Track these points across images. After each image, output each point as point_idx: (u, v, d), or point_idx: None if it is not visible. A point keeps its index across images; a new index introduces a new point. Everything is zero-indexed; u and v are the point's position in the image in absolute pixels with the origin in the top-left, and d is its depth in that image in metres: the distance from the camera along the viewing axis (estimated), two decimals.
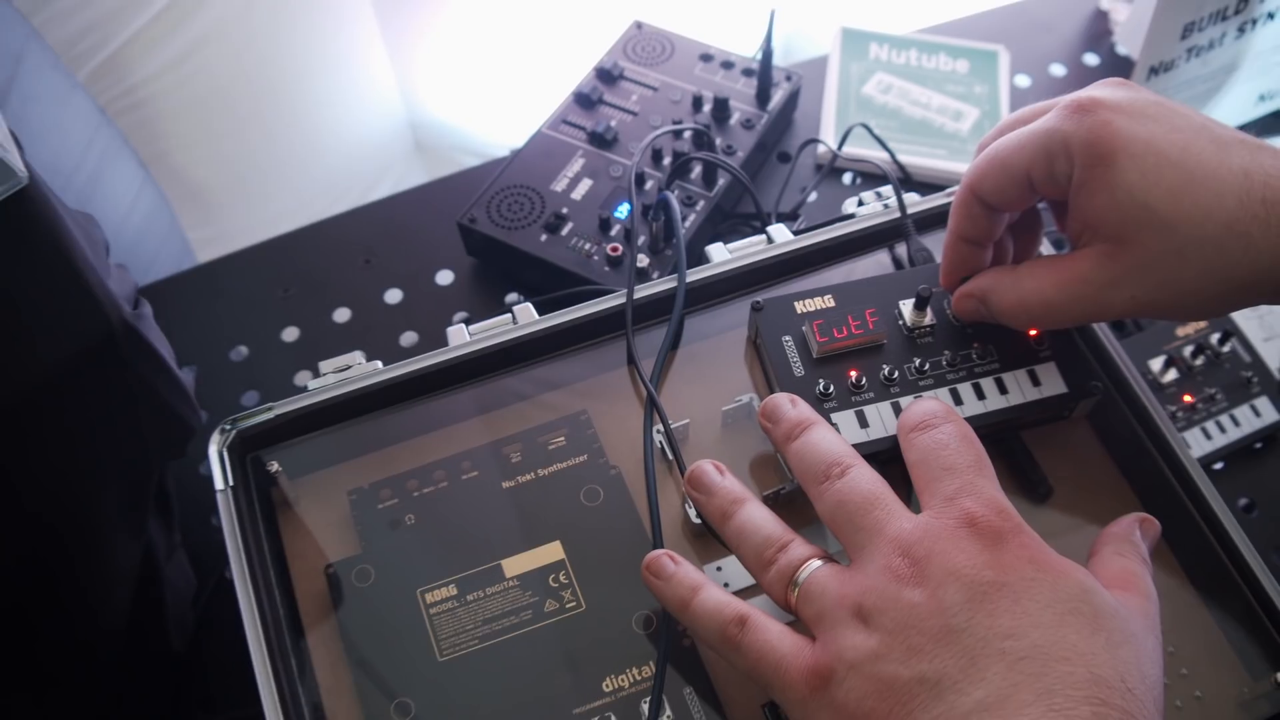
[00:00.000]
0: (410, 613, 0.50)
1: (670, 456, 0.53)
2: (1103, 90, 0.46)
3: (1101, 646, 0.36)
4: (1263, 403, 0.67)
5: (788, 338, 0.54)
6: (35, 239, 0.39)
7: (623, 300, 0.57)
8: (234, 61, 0.96)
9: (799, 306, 0.55)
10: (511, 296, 0.70)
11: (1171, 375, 0.68)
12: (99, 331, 0.41)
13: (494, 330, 0.56)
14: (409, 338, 0.66)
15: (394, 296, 0.71)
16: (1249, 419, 0.66)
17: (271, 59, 0.98)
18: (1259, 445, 0.68)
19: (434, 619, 0.50)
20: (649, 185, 0.69)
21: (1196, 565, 0.53)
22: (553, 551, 0.52)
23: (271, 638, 0.48)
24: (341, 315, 0.71)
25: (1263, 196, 0.42)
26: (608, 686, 0.49)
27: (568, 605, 0.50)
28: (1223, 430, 0.66)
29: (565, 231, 0.66)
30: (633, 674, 0.49)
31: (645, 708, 0.48)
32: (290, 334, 0.71)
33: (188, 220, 1.02)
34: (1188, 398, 0.67)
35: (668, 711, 0.48)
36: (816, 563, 0.43)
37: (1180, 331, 0.69)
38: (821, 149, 0.76)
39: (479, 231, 0.67)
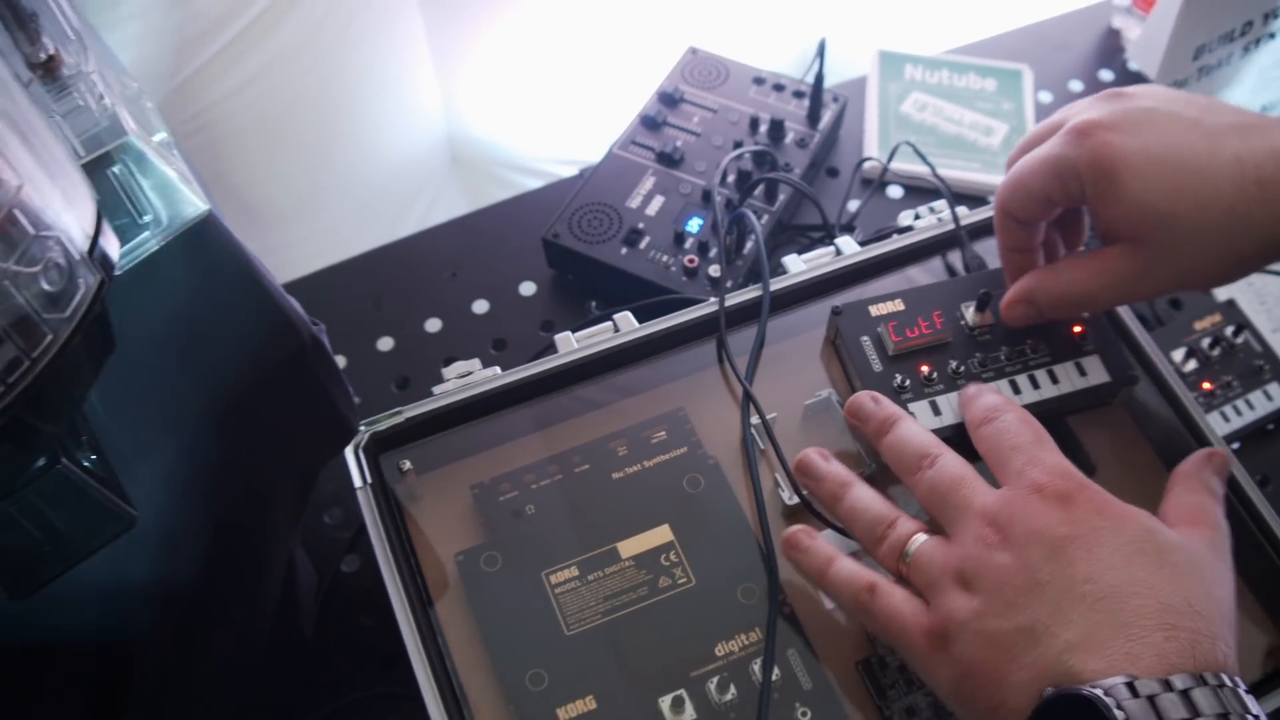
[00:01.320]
0: (537, 593, 0.57)
1: (763, 446, 0.61)
2: (1097, 109, 0.54)
3: (1167, 578, 0.44)
4: (1274, 388, 0.76)
5: (865, 338, 0.62)
6: (224, 263, 0.46)
7: (712, 308, 0.65)
8: (293, 85, 1.03)
9: (873, 310, 0.63)
10: (593, 305, 0.78)
11: (1192, 365, 0.76)
12: (293, 345, 0.48)
13: (599, 337, 0.64)
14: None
15: (481, 307, 0.78)
16: (1262, 403, 0.75)
17: (326, 81, 1.05)
18: (1271, 427, 0.76)
19: (559, 597, 0.57)
20: (718, 199, 0.76)
21: None
22: (662, 534, 0.59)
23: (420, 618, 0.55)
24: (433, 325, 0.78)
25: (1256, 178, 0.50)
26: (719, 651, 0.56)
27: (679, 581, 0.58)
28: (1239, 414, 0.74)
29: (643, 245, 0.74)
30: (741, 639, 0.57)
31: (755, 668, 0.55)
32: (385, 343, 0.78)
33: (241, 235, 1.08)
34: (1206, 385, 0.75)
35: (777, 670, 0.55)
36: (922, 537, 0.51)
37: (1197, 325, 0.78)
38: (870, 164, 0.84)
39: (562, 245, 0.74)
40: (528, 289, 0.79)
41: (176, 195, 0.44)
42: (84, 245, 0.36)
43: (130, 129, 0.43)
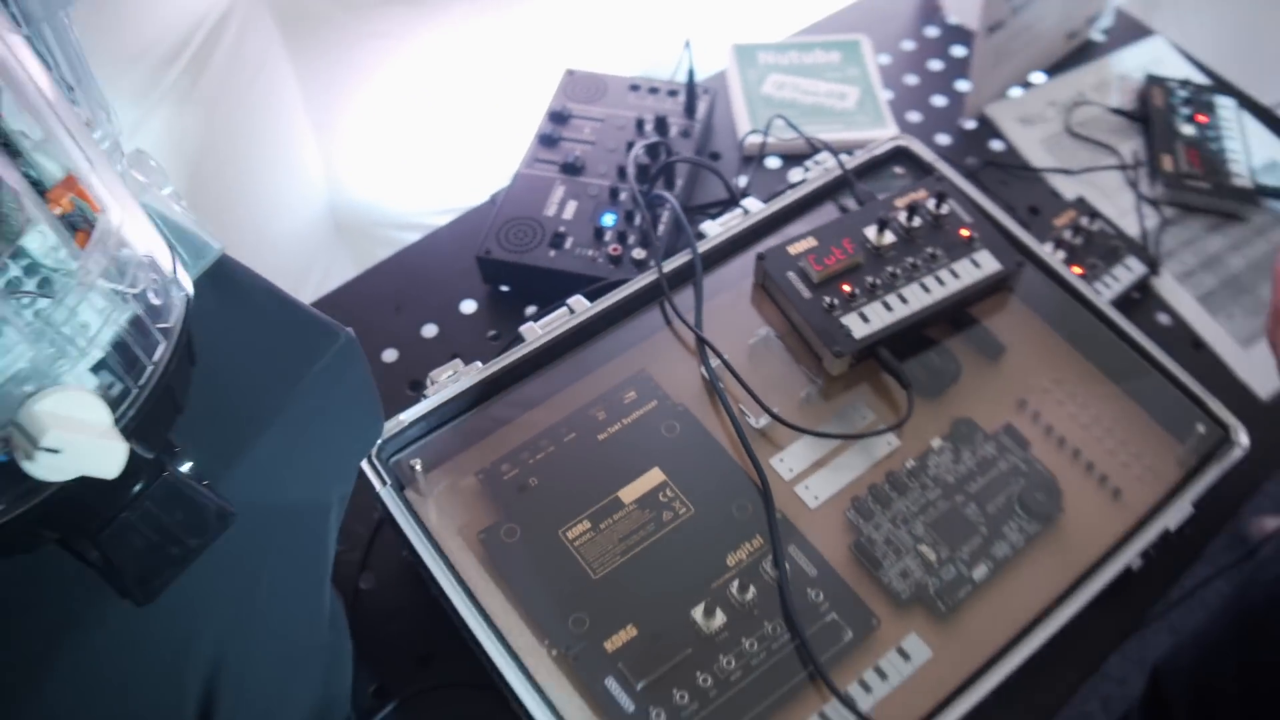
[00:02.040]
0: (559, 549, 0.65)
1: (723, 382, 0.70)
2: None
3: None
4: (1131, 260, 0.89)
5: (790, 273, 0.72)
6: (250, 287, 0.53)
7: (652, 276, 0.74)
8: (187, 172, 1.07)
9: (791, 250, 0.73)
10: (531, 309, 0.85)
11: (1061, 255, 0.89)
12: (337, 339, 0.54)
13: (558, 321, 0.72)
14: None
15: (430, 330, 0.85)
16: (1125, 274, 0.88)
17: (220, 167, 1.10)
18: (1137, 295, 0.89)
19: (579, 549, 0.65)
20: (623, 196, 0.85)
21: (1119, 371, 0.74)
22: (655, 476, 0.68)
23: (472, 596, 0.62)
24: (390, 355, 0.84)
25: None
26: (731, 561, 0.65)
27: (680, 512, 0.66)
28: (1108, 286, 0.87)
29: (568, 245, 0.82)
30: (746, 548, 0.65)
31: (764, 567, 0.64)
32: None
33: None
34: (1077, 269, 0.88)
35: (788, 565, 0.64)
36: None
37: (1057, 222, 0.90)
38: (751, 140, 0.95)
39: (495, 259, 0.82)
40: (469, 307, 0.86)
41: (194, 238, 0.50)
42: (169, 269, 0.42)
43: (144, 182, 0.50)
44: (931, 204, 0.76)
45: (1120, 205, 0.95)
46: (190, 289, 0.44)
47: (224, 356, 0.50)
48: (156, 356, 0.41)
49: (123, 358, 0.38)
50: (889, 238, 0.74)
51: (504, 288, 0.86)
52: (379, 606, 0.73)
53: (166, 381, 0.41)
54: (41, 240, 0.35)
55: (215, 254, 0.53)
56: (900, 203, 0.76)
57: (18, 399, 0.34)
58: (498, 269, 0.83)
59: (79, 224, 0.38)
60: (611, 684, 0.60)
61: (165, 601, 0.44)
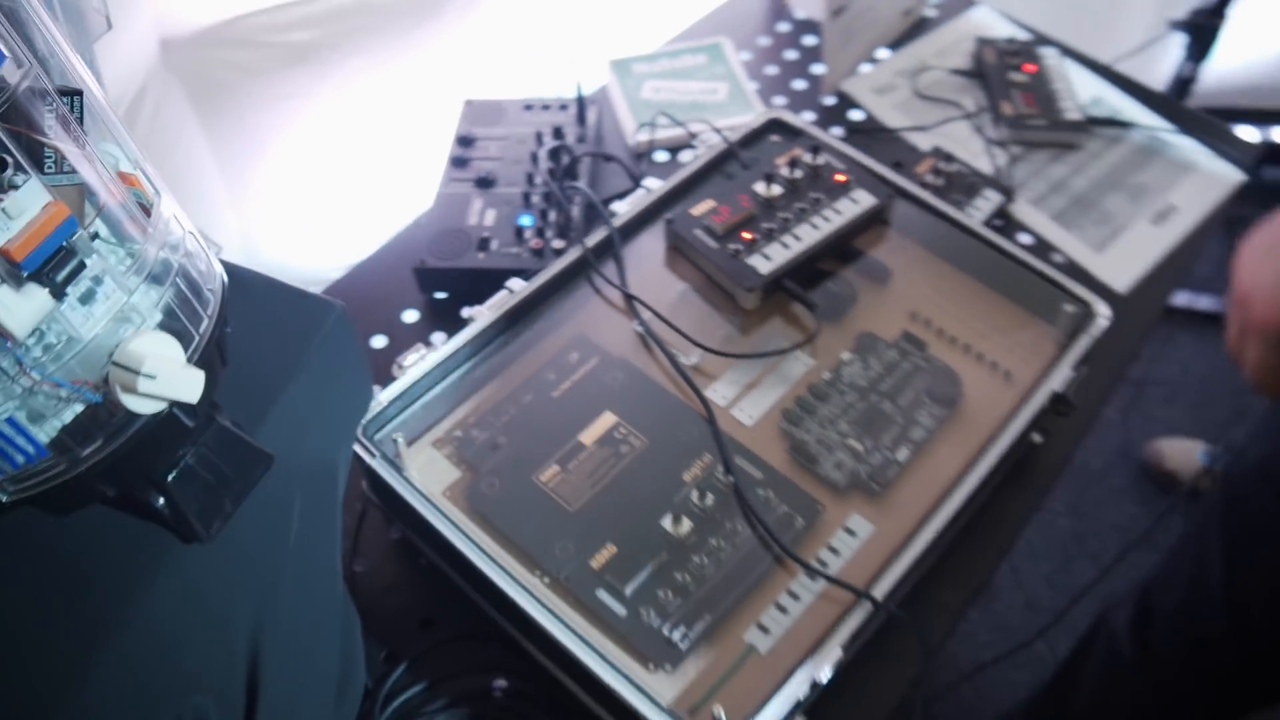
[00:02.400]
0: (536, 492, 0.74)
1: (652, 333, 0.80)
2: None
3: None
4: (988, 192, 1.02)
5: (697, 230, 0.83)
6: (246, 276, 0.62)
7: (578, 252, 0.84)
8: None
9: (694, 211, 0.84)
10: (466, 310, 0.95)
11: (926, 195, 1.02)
12: (328, 315, 0.62)
13: (502, 301, 0.82)
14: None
15: (380, 341, 0.93)
16: (984, 204, 1.01)
17: None
18: (999, 222, 1.02)
19: (553, 489, 0.74)
20: (534, 198, 0.96)
21: (991, 276, 0.86)
22: (608, 419, 0.77)
23: (479, 548, 0.70)
24: None
25: None
26: (687, 477, 0.74)
27: (635, 445, 0.76)
28: (971, 216, 1.00)
29: (494, 247, 0.92)
30: (699, 464, 0.75)
31: (717, 474, 0.74)
32: None
33: None
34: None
35: (734, 475, 0.74)
36: None
37: (919, 169, 1.03)
38: (639, 138, 1.06)
39: (431, 268, 0.91)
40: (411, 316, 0.95)
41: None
42: (203, 249, 0.51)
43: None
44: (808, 158, 0.88)
45: (972, 150, 1.09)
46: (221, 269, 0.53)
47: (242, 331, 0.58)
48: (208, 312, 0.49)
49: (183, 312, 0.46)
50: (776, 189, 0.85)
51: (441, 295, 0.96)
52: (375, 584, 0.81)
53: (215, 339, 0.49)
54: (123, 213, 0.43)
55: (219, 249, 0.61)
56: (781, 160, 0.88)
57: (116, 340, 0.42)
58: (434, 277, 0.93)
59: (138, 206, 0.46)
60: (602, 595, 0.69)
61: (215, 553, 0.52)
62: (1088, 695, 1.20)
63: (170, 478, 0.48)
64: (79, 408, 0.42)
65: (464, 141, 1.02)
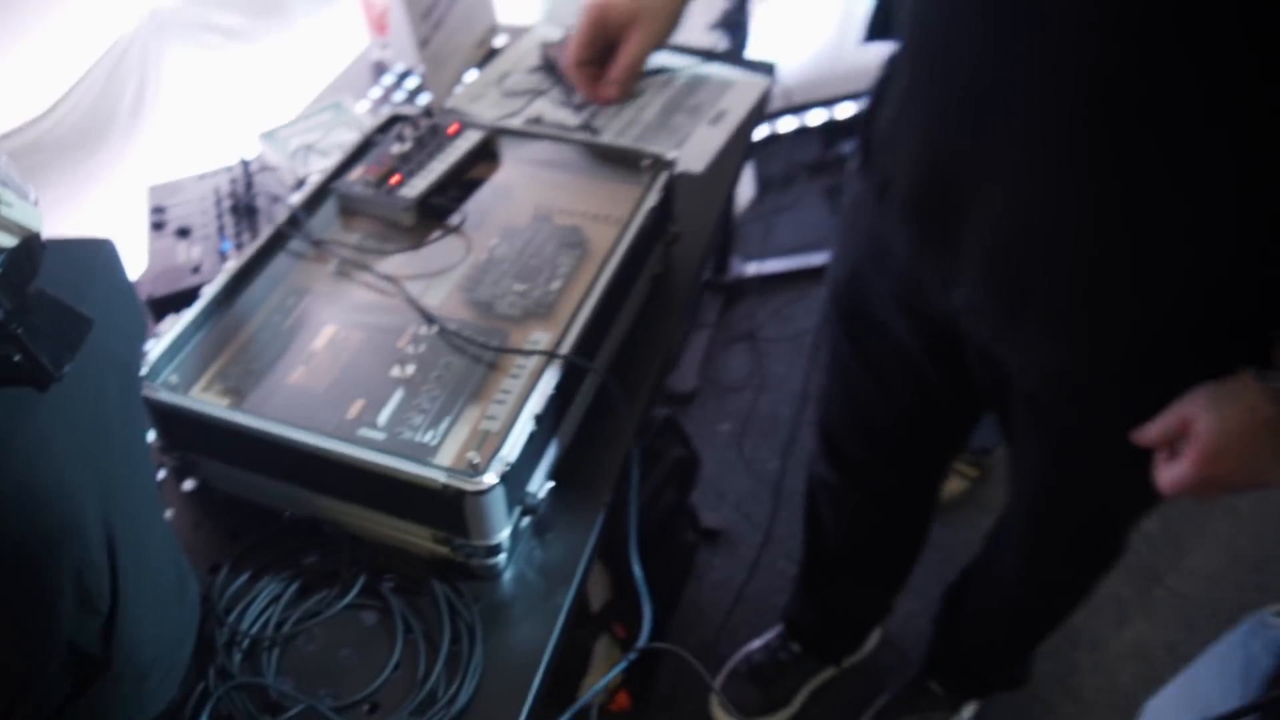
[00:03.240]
0: (290, 389, 0.97)
1: (345, 261, 1.07)
2: None
3: None
4: (577, 135, 1.35)
5: (357, 187, 1.11)
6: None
7: (273, 230, 1.09)
8: None
9: (351, 177, 1.12)
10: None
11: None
12: (105, 248, 0.84)
13: (233, 262, 1.05)
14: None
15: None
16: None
17: None
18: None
19: (307, 382, 0.97)
20: (227, 230, 1.21)
21: (589, 168, 1.18)
22: (330, 329, 1.02)
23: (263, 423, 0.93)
24: None
25: None
26: (400, 343, 1.00)
27: (356, 336, 1.01)
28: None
29: (205, 269, 1.16)
30: (407, 333, 1.01)
31: (420, 334, 1.00)
32: None
33: None
34: None
35: (436, 323, 1.00)
36: None
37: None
38: (297, 174, 1.33)
39: (159, 296, 1.14)
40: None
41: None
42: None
43: None
44: (425, 122, 1.18)
45: (564, 116, 1.43)
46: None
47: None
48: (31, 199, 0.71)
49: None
50: (408, 146, 1.15)
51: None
52: (180, 527, 1.01)
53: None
54: None
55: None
56: (406, 130, 1.18)
57: None
58: (164, 303, 1.16)
59: None
60: (363, 431, 0.92)
61: (58, 418, 0.73)
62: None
63: (19, 331, 0.69)
64: None
65: (157, 211, 1.26)
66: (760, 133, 2.52)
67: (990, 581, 1.63)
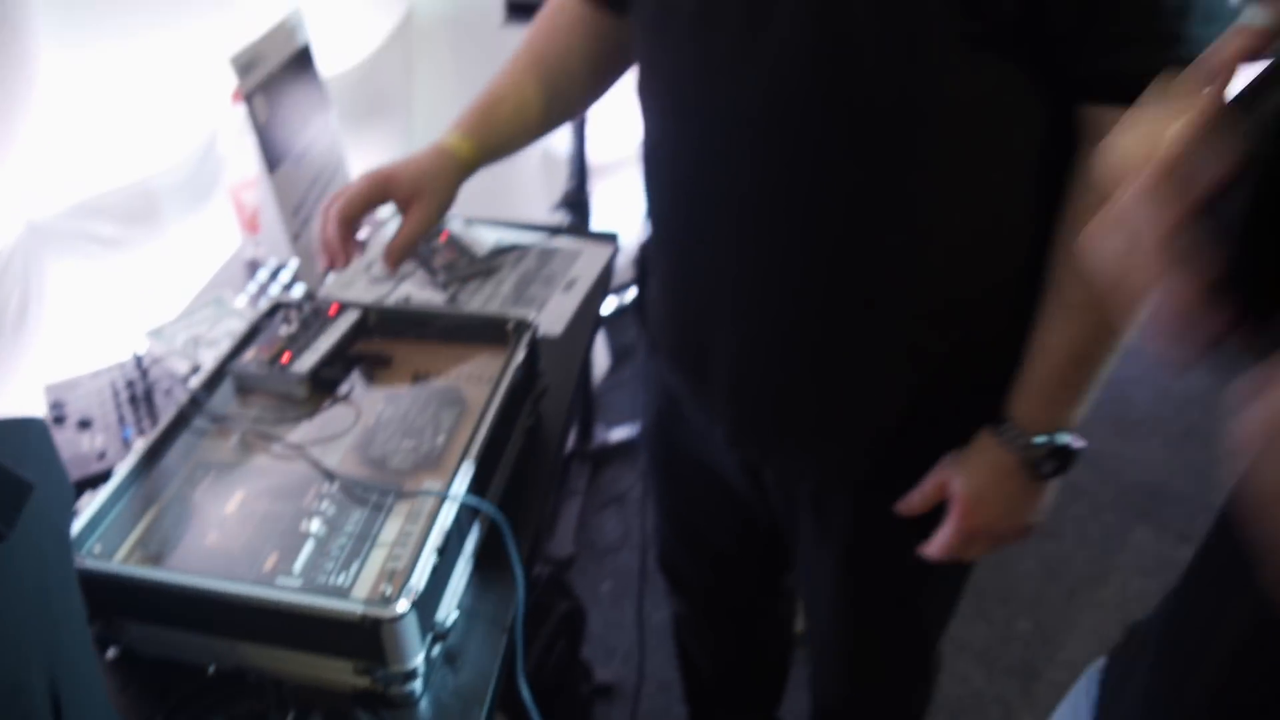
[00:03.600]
0: (208, 552, 1.08)
1: (247, 434, 1.19)
2: None
3: None
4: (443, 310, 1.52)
5: (252, 366, 1.24)
6: None
7: (179, 407, 1.21)
8: None
9: (245, 358, 1.25)
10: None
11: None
12: (29, 424, 0.95)
13: (141, 441, 1.16)
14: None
15: None
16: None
17: None
18: None
19: (218, 545, 1.09)
20: (128, 419, 1.31)
21: (457, 331, 1.35)
22: (239, 495, 1.14)
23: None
24: None
25: None
26: (306, 501, 1.12)
27: (265, 499, 1.13)
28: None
29: (110, 455, 1.26)
30: (311, 491, 1.13)
31: (324, 491, 1.13)
32: None
33: None
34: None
35: (337, 479, 1.13)
36: None
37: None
38: (188, 371, 1.45)
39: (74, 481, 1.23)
40: None
41: None
42: None
43: None
44: (306, 306, 1.33)
45: (429, 295, 1.60)
46: None
47: None
48: None
49: None
50: (294, 327, 1.29)
51: None
52: (110, 690, 1.09)
53: None
54: None
55: None
56: (291, 314, 1.33)
57: None
58: (76, 488, 1.25)
59: None
60: (280, 580, 1.04)
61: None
62: None
63: None
64: None
65: (56, 406, 1.36)
66: (609, 305, 2.73)
67: (826, 715, 1.71)
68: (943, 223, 1.06)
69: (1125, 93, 0.74)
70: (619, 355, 3.17)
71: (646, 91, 1.23)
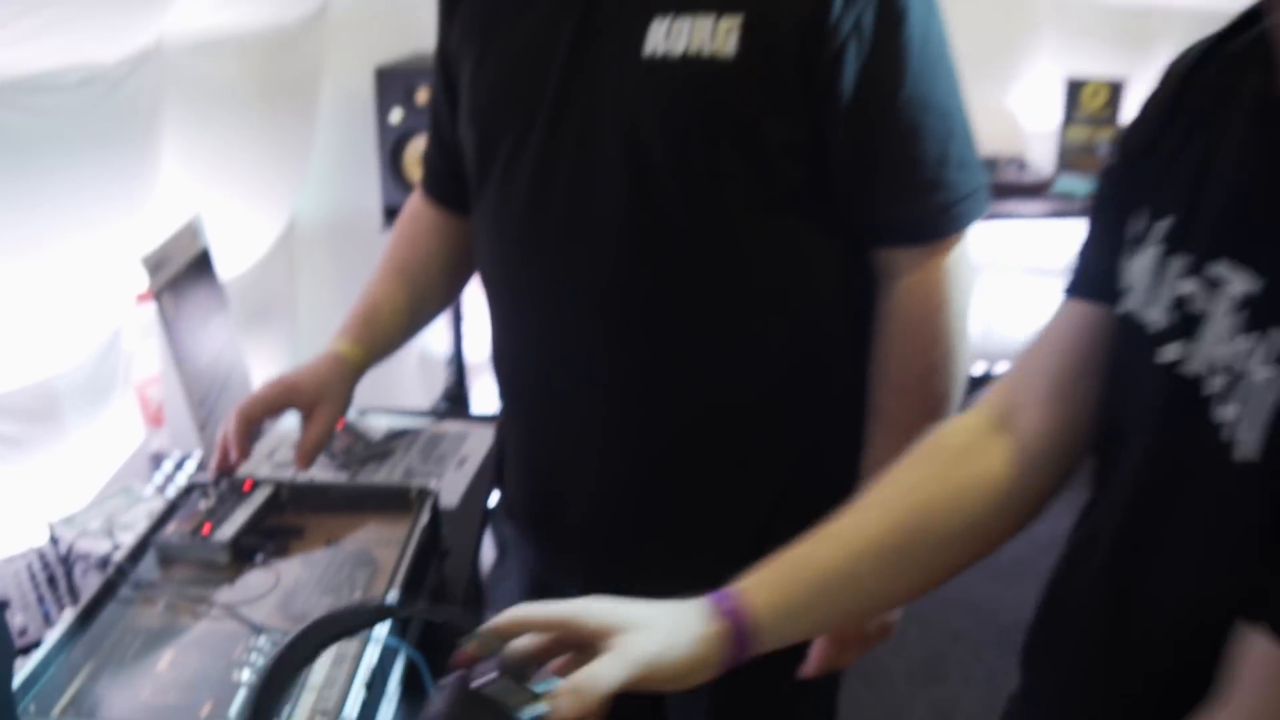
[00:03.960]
0: (148, 709, 1.17)
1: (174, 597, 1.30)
2: None
3: None
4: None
5: (175, 538, 1.35)
6: None
7: (104, 578, 1.31)
8: None
9: (167, 531, 1.36)
10: None
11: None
12: None
13: (69, 613, 1.25)
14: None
15: None
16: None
17: None
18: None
19: (152, 698, 1.18)
20: (47, 603, 1.39)
21: (370, 499, 1.48)
22: (168, 656, 1.23)
23: None
24: None
25: None
26: (235, 654, 1.23)
27: (193, 658, 1.23)
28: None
29: (30, 632, 1.34)
30: (239, 646, 1.24)
31: (258, 644, 1.23)
32: None
33: None
34: None
35: (265, 635, 1.24)
36: None
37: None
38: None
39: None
40: None
41: None
42: None
43: None
44: (224, 482, 1.46)
45: (331, 475, 1.73)
46: None
47: None
48: None
49: None
50: (212, 502, 1.41)
51: None
52: None
53: None
54: None
55: None
56: (208, 490, 1.45)
57: None
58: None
59: None
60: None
61: None
62: None
63: None
64: None
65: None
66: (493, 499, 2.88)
67: None
68: (768, 352, 1.30)
69: (904, 235, 1.00)
70: (502, 548, 3.28)
71: (490, 280, 1.45)
